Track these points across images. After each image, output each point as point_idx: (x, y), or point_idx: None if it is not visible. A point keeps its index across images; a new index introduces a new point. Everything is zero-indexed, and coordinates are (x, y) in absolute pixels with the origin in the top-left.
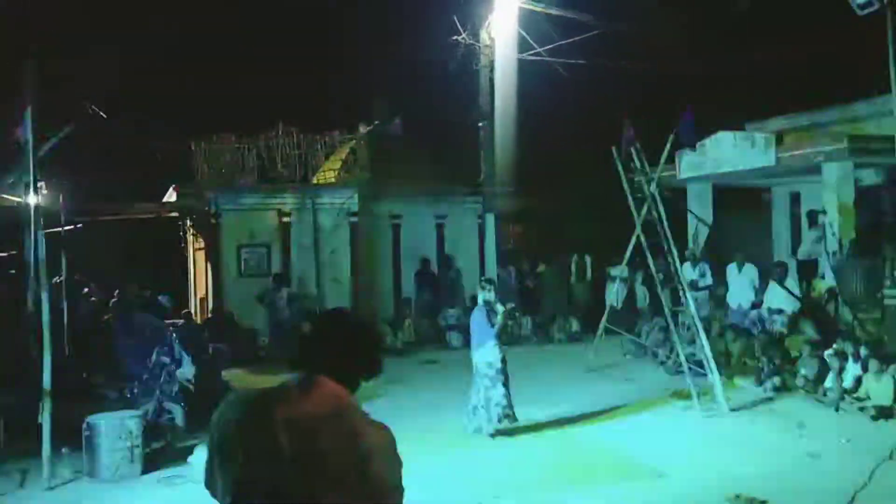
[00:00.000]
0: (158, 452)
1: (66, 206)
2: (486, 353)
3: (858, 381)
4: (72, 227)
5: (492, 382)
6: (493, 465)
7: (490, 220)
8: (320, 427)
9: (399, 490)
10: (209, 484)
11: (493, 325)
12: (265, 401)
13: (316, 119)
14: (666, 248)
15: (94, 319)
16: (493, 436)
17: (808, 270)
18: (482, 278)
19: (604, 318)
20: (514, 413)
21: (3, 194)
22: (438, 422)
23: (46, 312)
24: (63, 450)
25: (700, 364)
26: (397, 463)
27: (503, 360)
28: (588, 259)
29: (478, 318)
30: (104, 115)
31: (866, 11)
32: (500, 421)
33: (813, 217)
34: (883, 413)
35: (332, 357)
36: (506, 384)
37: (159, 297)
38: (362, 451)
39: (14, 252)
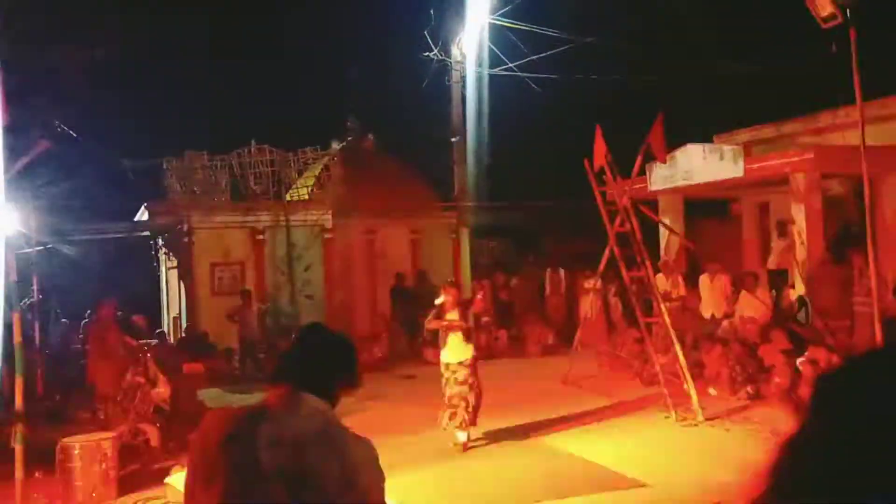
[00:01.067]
0: (134, 474)
1: (36, 227)
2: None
3: None
4: (41, 247)
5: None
6: (474, 478)
7: (464, 234)
8: (306, 444)
9: (383, 503)
10: (190, 501)
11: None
12: (248, 419)
13: (289, 136)
14: (640, 259)
15: (65, 341)
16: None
17: (778, 280)
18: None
19: (579, 331)
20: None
21: None
22: (417, 436)
23: (17, 334)
24: (36, 474)
25: (675, 374)
26: (381, 477)
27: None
28: (562, 272)
29: None
30: (73, 134)
31: (830, 24)
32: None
33: (782, 227)
34: None
35: (311, 372)
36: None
37: (133, 318)
38: (348, 466)
39: None
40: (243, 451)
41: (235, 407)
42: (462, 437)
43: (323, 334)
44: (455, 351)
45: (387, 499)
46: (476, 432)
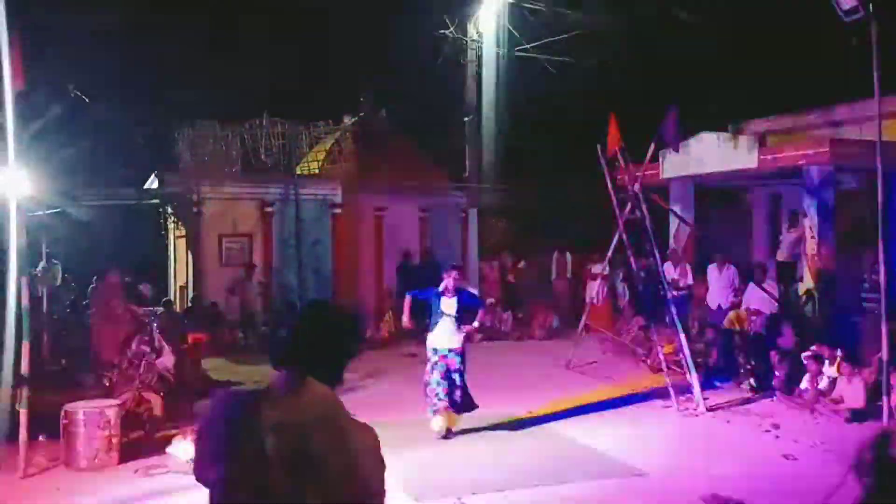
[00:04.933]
0: (137, 442)
1: (46, 192)
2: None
3: (833, 383)
4: (52, 211)
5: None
6: (471, 460)
7: (473, 214)
8: (309, 431)
9: (383, 492)
10: (200, 476)
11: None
12: (254, 403)
13: (301, 109)
14: (648, 247)
15: (74, 306)
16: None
17: (787, 272)
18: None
19: (584, 315)
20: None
21: None
22: (416, 417)
23: (25, 299)
24: (40, 437)
25: (679, 363)
26: (382, 466)
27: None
28: (569, 256)
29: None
30: (87, 99)
31: (852, 19)
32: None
33: (793, 219)
34: (856, 415)
35: (317, 356)
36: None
37: (140, 286)
38: (350, 454)
39: None
40: (247, 435)
41: (242, 389)
42: (439, 423)
43: (327, 315)
44: (445, 337)
45: (387, 487)
46: (476, 414)
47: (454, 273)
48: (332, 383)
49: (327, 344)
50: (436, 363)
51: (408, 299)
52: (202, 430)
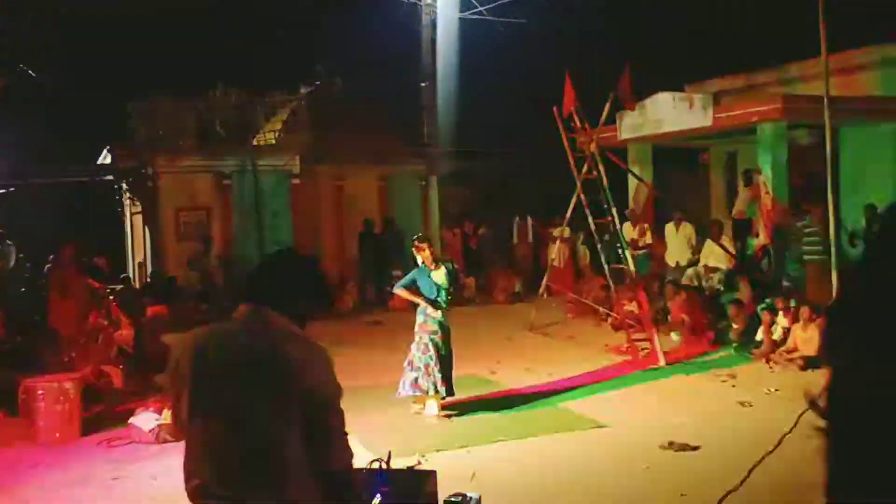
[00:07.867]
0: (98, 415)
1: None
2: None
3: (787, 333)
4: (3, 190)
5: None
6: (433, 421)
7: (433, 181)
8: (270, 362)
9: (339, 408)
10: (178, 424)
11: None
12: (213, 335)
13: (255, 80)
14: (606, 206)
15: (29, 284)
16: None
17: (743, 229)
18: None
19: (545, 278)
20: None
21: None
22: (381, 381)
23: None
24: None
25: (639, 320)
26: (336, 385)
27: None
28: (529, 220)
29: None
30: (33, 74)
31: None
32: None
33: (747, 176)
34: (810, 363)
35: (273, 289)
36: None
37: (95, 259)
38: (307, 385)
39: None
40: (207, 363)
41: (207, 328)
42: (432, 408)
43: (288, 254)
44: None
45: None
46: None
47: (421, 245)
48: (293, 318)
49: (286, 279)
50: (433, 341)
51: (404, 292)
52: (170, 369)
